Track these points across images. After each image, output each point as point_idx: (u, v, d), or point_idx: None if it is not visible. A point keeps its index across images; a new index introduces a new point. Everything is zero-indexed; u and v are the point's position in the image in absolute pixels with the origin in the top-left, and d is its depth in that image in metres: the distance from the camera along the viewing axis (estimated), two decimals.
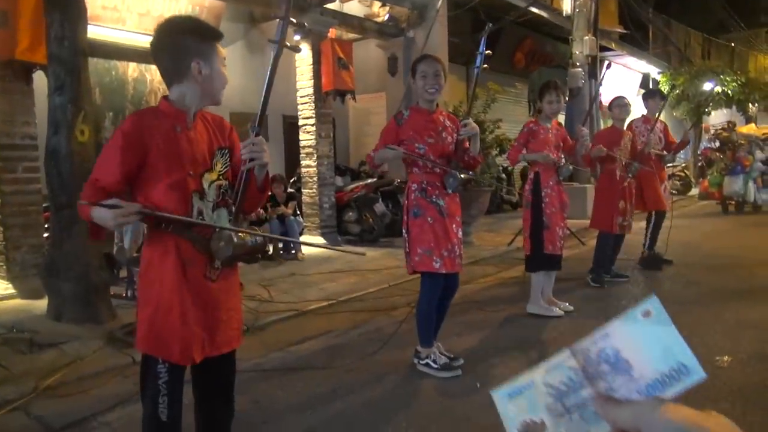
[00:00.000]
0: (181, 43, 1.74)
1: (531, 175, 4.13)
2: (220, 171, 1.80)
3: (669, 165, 7.14)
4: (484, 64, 3.11)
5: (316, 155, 7.61)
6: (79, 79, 4.09)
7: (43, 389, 3.05)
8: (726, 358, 3.22)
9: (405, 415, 2.69)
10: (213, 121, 1.87)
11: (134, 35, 7.02)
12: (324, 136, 7.70)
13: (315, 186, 7.59)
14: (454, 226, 3.12)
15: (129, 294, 4.93)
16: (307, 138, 7.63)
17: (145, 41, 7.18)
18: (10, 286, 4.91)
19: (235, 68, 8.14)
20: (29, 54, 4.64)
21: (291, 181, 8.17)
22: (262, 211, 6.69)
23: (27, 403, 2.92)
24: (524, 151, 4.09)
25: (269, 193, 1.91)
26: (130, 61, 7.34)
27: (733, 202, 10.37)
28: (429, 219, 3.06)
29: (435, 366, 3.16)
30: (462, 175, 3.11)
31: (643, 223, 5.89)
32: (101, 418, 2.76)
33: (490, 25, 3.40)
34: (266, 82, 1.82)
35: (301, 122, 7.66)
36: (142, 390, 1.78)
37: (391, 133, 3.13)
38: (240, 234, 1.76)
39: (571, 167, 4.18)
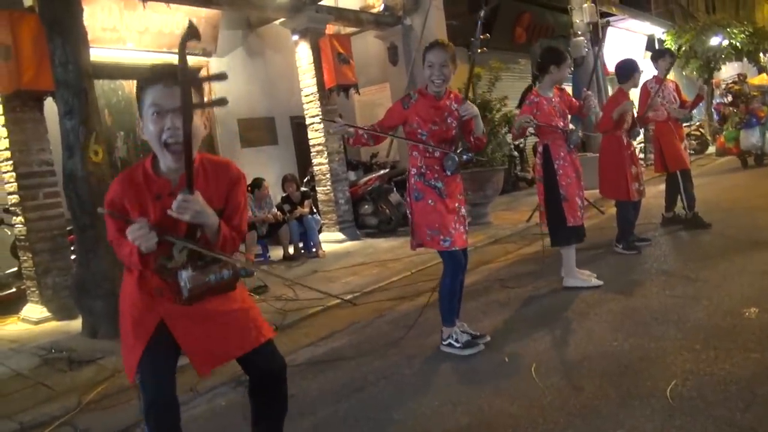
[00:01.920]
0: (137, 104, 1.77)
1: (540, 148, 4.12)
2: (198, 235, 1.74)
3: (686, 124, 7.06)
4: (483, 47, 3.14)
5: (326, 152, 7.66)
6: (87, 101, 4.18)
7: (86, 404, 3.15)
8: (753, 309, 3.20)
9: (436, 394, 2.74)
10: (214, 170, 1.80)
11: (136, 53, 7.14)
12: (332, 133, 7.75)
13: (329, 183, 7.64)
14: (457, 204, 3.18)
15: None
16: (315, 136, 7.69)
17: (146, 59, 7.31)
18: (45, 309, 5.04)
19: (237, 76, 8.24)
20: (35, 83, 4.74)
21: (305, 180, 8.25)
22: (280, 213, 6.77)
23: (72, 419, 3.02)
24: (519, 118, 4.01)
25: (242, 233, 1.86)
26: (132, 80, 7.44)
27: (752, 155, 10.20)
28: (430, 201, 3.13)
29: (458, 345, 3.20)
30: (462, 157, 3.07)
31: (661, 187, 5.84)
32: (144, 426, 2.84)
33: (485, 7, 3.40)
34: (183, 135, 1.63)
35: (308, 121, 7.72)
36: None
37: (394, 114, 3.18)
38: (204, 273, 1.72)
39: (580, 133, 4.15)
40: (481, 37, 3.11)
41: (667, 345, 2.90)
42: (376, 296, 4.80)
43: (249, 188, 6.69)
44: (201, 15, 7.50)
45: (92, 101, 4.23)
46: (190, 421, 2.75)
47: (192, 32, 1.58)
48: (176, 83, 1.59)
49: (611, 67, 9.43)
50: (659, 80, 5.46)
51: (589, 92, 4.23)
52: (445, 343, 3.25)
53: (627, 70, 5.06)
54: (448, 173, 3.11)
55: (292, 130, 9.05)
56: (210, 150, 8.18)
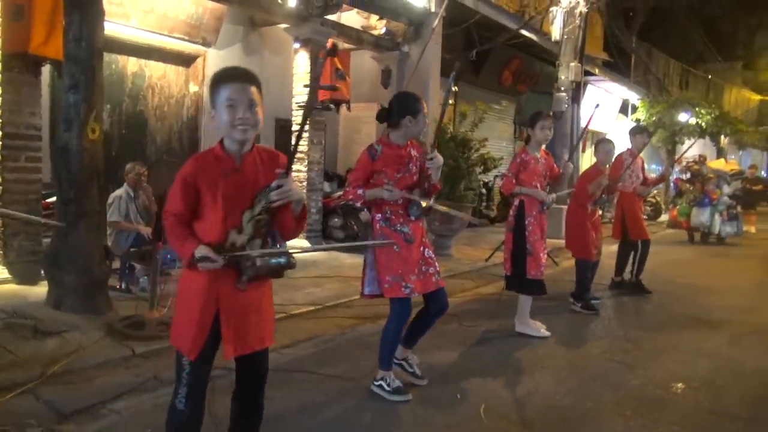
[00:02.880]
0: (210, 96, 2.02)
1: (516, 202, 4.41)
2: (263, 206, 1.98)
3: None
4: (450, 101, 3.27)
5: (307, 161, 7.83)
6: (94, 79, 4.26)
7: (49, 375, 3.23)
8: (680, 385, 3.55)
9: (389, 423, 2.95)
10: (267, 157, 2.07)
11: (137, 31, 7.17)
12: (316, 143, 7.94)
13: (304, 191, 7.80)
14: (421, 248, 3.26)
15: (123, 286, 5.10)
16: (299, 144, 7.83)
17: (146, 38, 7.35)
18: (5, 270, 5.03)
19: None
20: (43, 48, 4.78)
21: None
22: None
23: (35, 388, 3.09)
24: (517, 187, 4.34)
25: (304, 222, 2.13)
26: (130, 56, 7.46)
27: (700, 232, 10.89)
28: (395, 247, 3.16)
29: (387, 389, 3.22)
30: (424, 203, 3.18)
31: (613, 248, 6.26)
32: (110, 406, 2.95)
33: (459, 64, 3.58)
34: (296, 138, 2.08)
35: (295, 127, 7.87)
36: (176, 376, 2.06)
37: (366, 168, 3.18)
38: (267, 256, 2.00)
39: (554, 197, 4.47)
40: (454, 89, 3.31)
41: (602, 407, 3.20)
42: (338, 312, 4.99)
43: None
44: (207, 6, 7.59)
45: (98, 80, 4.30)
46: (154, 409, 2.87)
47: (332, 51, 2.06)
48: (246, 81, 1.96)
49: (584, 122, 9.98)
50: (633, 155, 5.89)
51: (569, 163, 4.56)
52: (376, 383, 3.27)
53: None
54: (413, 218, 3.21)
55: (275, 131, 9.17)
56: (193, 138, 8.25)
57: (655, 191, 16.00)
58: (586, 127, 5.04)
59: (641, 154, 6.04)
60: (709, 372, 3.80)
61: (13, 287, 4.89)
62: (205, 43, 7.96)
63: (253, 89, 1.95)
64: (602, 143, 5.56)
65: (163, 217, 2.04)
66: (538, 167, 4.37)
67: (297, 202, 2.00)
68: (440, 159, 3.12)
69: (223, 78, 1.97)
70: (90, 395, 3.07)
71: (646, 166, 6.38)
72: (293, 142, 2.17)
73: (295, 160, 7.85)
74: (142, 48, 7.44)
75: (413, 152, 3.25)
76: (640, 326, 4.95)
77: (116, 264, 5.27)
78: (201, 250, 1.88)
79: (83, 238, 4.19)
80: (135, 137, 7.63)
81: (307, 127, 7.76)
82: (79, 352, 3.55)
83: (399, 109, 3.19)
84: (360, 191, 3.14)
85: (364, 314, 4.89)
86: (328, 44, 7.92)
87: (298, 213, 2.04)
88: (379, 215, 3.21)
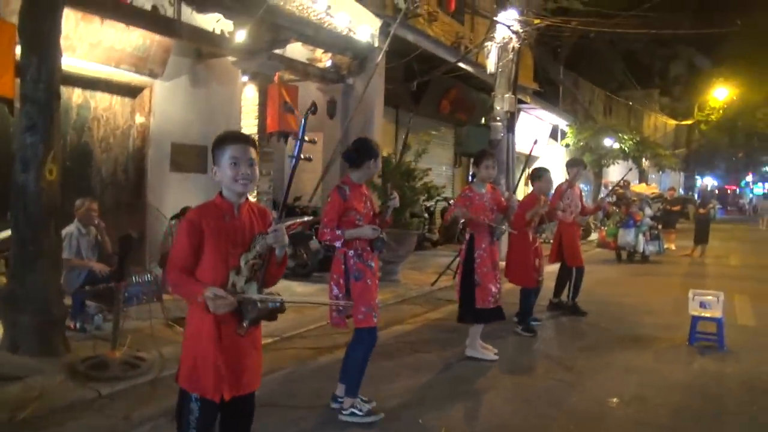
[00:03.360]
0: (213, 154, 2.27)
1: (467, 236, 4.72)
2: (257, 252, 2.21)
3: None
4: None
5: (256, 191, 7.94)
6: (52, 120, 4.30)
7: (19, 421, 3.24)
8: (615, 399, 3.96)
9: None
10: (257, 211, 2.35)
11: (83, 63, 7.13)
12: (265, 174, 8.06)
13: None
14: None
15: (77, 325, 5.05)
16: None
17: (92, 69, 7.31)
18: None
19: (178, 101, 8.40)
20: None
21: None
22: None
23: None
24: (456, 209, 4.66)
25: (284, 267, 2.35)
26: (75, 87, 7.39)
27: (626, 252, 11.70)
28: (368, 281, 3.47)
29: (361, 413, 3.44)
30: (384, 237, 3.50)
31: (552, 268, 6.72)
32: None
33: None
34: (288, 178, 2.32)
35: None
36: (178, 423, 2.22)
37: (339, 208, 3.44)
38: (263, 300, 2.21)
39: (504, 228, 4.83)
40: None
41: (548, 423, 3.54)
42: (295, 343, 5.15)
43: (177, 216, 6.84)
44: (155, 38, 7.63)
45: (56, 120, 4.34)
46: None
47: (313, 110, 2.54)
48: (248, 143, 2.25)
49: (518, 147, 10.64)
50: (571, 184, 6.41)
51: (513, 195, 4.96)
52: (346, 412, 3.45)
53: (535, 175, 5.92)
54: (377, 253, 3.55)
55: None
56: (139, 169, 8.20)
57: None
58: (526, 162, 5.47)
59: (578, 184, 6.57)
60: (637, 386, 4.24)
61: None
62: (152, 75, 7.97)
63: (252, 150, 2.24)
64: (545, 173, 5.94)
65: (166, 272, 2.22)
66: (483, 202, 4.71)
67: (281, 248, 2.23)
68: (397, 199, 3.46)
69: (228, 140, 2.24)
70: None
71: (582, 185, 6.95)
72: (284, 193, 2.39)
73: None
74: (88, 79, 7.39)
75: (366, 191, 3.60)
76: (577, 347, 5.38)
77: (67, 301, 5.22)
78: (212, 290, 2.05)
79: (41, 278, 4.19)
80: (80, 169, 7.52)
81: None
82: (43, 397, 3.57)
83: (362, 153, 3.53)
84: (338, 231, 3.39)
85: (321, 345, 5.08)
86: (276, 77, 8.14)
87: (280, 259, 2.28)
88: (352, 251, 3.47)
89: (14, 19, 4.57)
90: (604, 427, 3.49)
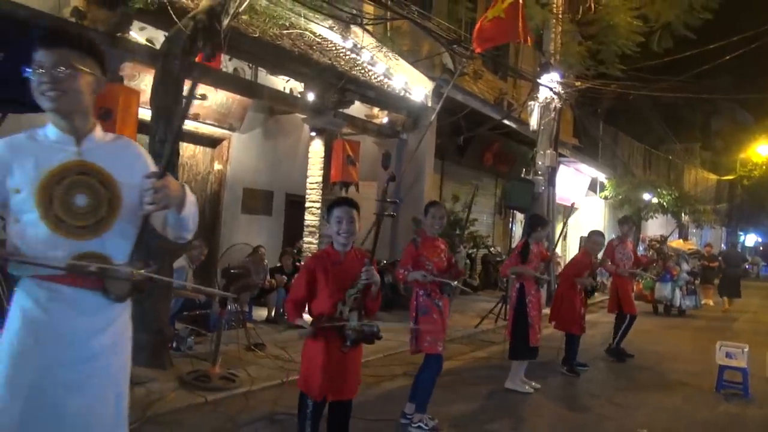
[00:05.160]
0: (327, 212, 3.03)
1: (517, 285, 5.41)
2: (358, 288, 2.92)
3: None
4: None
5: (318, 234, 8.79)
6: (173, 173, 5.22)
7: (146, 418, 4.02)
8: (645, 431, 4.50)
9: None
10: (359, 255, 3.04)
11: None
12: (326, 219, 8.92)
13: None
14: (447, 320, 4.35)
15: (174, 345, 5.87)
16: (311, 218, 8.85)
17: (185, 124, 8.39)
18: None
19: (251, 151, 9.44)
20: None
21: (294, 252, 9.29)
22: (274, 281, 7.77)
23: (139, 427, 3.88)
24: (512, 267, 5.43)
25: (379, 302, 3.07)
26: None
27: (663, 305, 12.05)
28: (434, 316, 4.24)
29: (426, 428, 4.15)
30: (454, 284, 4.30)
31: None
32: None
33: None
34: (373, 241, 3.07)
35: (308, 204, 8.89)
36: (298, 414, 2.94)
37: (412, 254, 4.25)
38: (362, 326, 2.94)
39: (546, 278, 5.54)
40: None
41: None
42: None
43: (251, 254, 7.70)
44: (236, 97, 8.70)
45: (175, 173, 5.27)
46: None
47: (392, 179, 3.39)
48: (350, 206, 2.95)
49: (558, 198, 11.28)
50: (623, 240, 7.09)
51: (555, 251, 5.66)
52: (414, 425, 4.17)
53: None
54: (447, 296, 4.32)
55: (286, 205, 10.17)
56: (214, 211, 9.18)
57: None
58: (568, 215, 6.13)
59: (608, 220, 7.23)
60: (666, 422, 4.78)
61: None
62: (231, 128, 9.03)
63: (354, 212, 2.94)
64: (594, 235, 6.65)
65: (286, 302, 3.06)
66: (535, 256, 5.44)
67: (375, 285, 2.93)
68: (464, 255, 4.20)
69: (336, 204, 3.02)
70: None
71: (612, 234, 7.58)
72: (372, 244, 3.15)
73: (307, 232, 8.86)
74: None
75: (442, 245, 4.33)
76: (614, 386, 5.94)
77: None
78: (300, 323, 2.83)
79: (158, 304, 5.04)
80: None
81: (318, 205, 8.79)
82: (163, 399, 4.35)
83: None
84: (403, 271, 4.19)
85: (380, 373, 5.75)
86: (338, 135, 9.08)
87: (374, 295, 2.98)
88: (422, 291, 4.25)
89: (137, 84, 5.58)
90: None
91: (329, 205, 3.05)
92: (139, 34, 6.50)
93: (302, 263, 8.89)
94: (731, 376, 5.83)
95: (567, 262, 7.01)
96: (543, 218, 5.62)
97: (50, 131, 1.85)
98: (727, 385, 5.81)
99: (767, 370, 6.95)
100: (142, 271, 1.87)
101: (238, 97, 8.64)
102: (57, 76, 1.73)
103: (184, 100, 2.26)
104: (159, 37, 6.82)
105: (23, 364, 1.74)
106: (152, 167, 1.94)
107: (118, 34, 5.82)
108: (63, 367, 1.77)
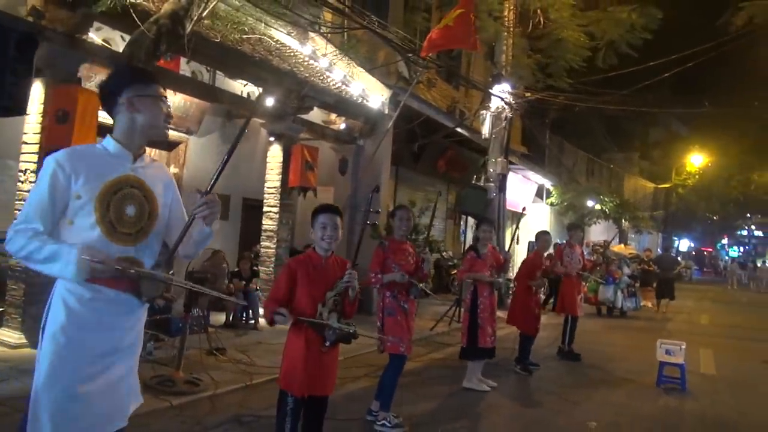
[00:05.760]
0: (311, 218, 3.13)
1: (471, 288, 5.65)
2: (337, 291, 3.06)
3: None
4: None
5: (276, 239, 8.83)
6: None
7: None
8: (594, 423, 4.81)
9: None
10: (339, 262, 3.17)
11: None
12: (285, 223, 8.98)
13: (272, 265, 8.76)
14: (412, 322, 4.51)
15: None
16: (269, 223, 8.88)
17: None
18: (23, 336, 5.65)
19: (209, 155, 9.38)
20: None
21: (252, 257, 9.28)
22: (232, 286, 7.76)
23: None
24: (466, 274, 5.63)
25: (356, 305, 3.19)
26: None
27: (606, 307, 12.66)
28: (398, 317, 4.41)
29: (389, 425, 4.31)
30: (421, 286, 4.46)
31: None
32: None
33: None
34: (355, 252, 3.22)
35: (265, 208, 8.91)
36: (277, 412, 3.04)
37: (381, 258, 4.40)
38: (342, 327, 3.07)
39: (501, 281, 5.78)
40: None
41: None
42: None
43: (209, 259, 7.67)
44: (194, 100, 8.64)
45: None
46: None
47: (377, 190, 3.51)
48: (334, 213, 3.09)
49: (508, 204, 11.70)
50: (572, 245, 7.45)
51: (509, 253, 5.92)
52: (379, 423, 4.33)
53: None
54: (413, 297, 4.49)
55: (242, 209, 10.14)
56: None
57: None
58: (518, 221, 6.46)
59: (553, 225, 7.63)
60: (612, 415, 5.11)
61: (31, 351, 5.52)
62: (189, 132, 8.96)
63: (338, 219, 3.09)
64: (543, 234, 7.04)
65: (266, 301, 3.14)
66: (484, 262, 5.64)
67: (352, 290, 3.09)
68: (430, 256, 4.38)
69: (321, 210, 3.14)
70: None
71: (558, 240, 7.98)
72: (355, 250, 3.31)
73: (265, 237, 8.89)
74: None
75: (410, 248, 4.49)
76: (564, 383, 6.25)
77: None
78: (279, 310, 2.91)
79: None
80: None
81: (276, 209, 8.83)
82: None
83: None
84: (378, 275, 4.33)
85: (344, 375, 5.86)
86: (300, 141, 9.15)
87: (351, 299, 3.11)
88: (389, 293, 4.40)
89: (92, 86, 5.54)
90: None
91: (314, 211, 3.16)
92: (96, 34, 6.40)
93: (284, 266, 8.94)
94: (670, 372, 6.26)
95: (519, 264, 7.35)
96: (487, 218, 5.87)
97: (110, 145, 2.13)
98: (667, 380, 6.22)
99: (701, 366, 7.49)
100: (172, 276, 2.13)
101: (196, 100, 8.59)
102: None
103: (236, 135, 2.46)
104: (115, 37, 6.77)
105: (71, 346, 1.99)
106: (177, 189, 2.34)
107: (77, 35, 5.75)
108: (100, 356, 2.03)
